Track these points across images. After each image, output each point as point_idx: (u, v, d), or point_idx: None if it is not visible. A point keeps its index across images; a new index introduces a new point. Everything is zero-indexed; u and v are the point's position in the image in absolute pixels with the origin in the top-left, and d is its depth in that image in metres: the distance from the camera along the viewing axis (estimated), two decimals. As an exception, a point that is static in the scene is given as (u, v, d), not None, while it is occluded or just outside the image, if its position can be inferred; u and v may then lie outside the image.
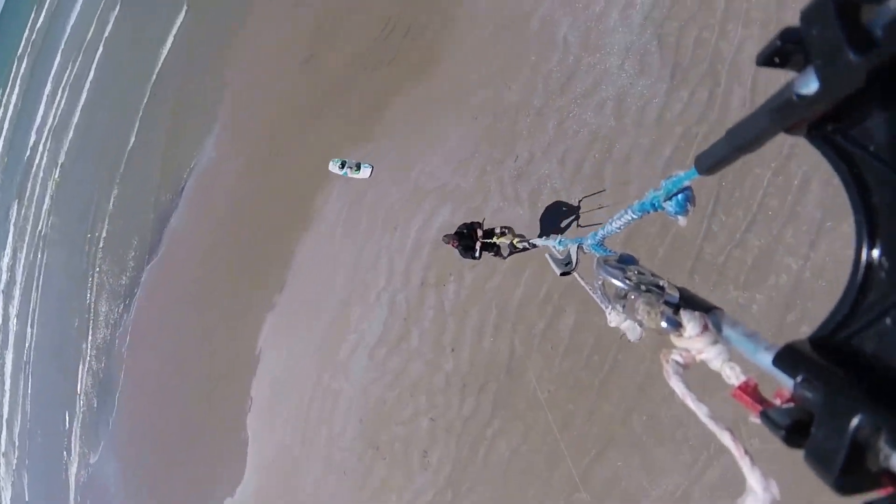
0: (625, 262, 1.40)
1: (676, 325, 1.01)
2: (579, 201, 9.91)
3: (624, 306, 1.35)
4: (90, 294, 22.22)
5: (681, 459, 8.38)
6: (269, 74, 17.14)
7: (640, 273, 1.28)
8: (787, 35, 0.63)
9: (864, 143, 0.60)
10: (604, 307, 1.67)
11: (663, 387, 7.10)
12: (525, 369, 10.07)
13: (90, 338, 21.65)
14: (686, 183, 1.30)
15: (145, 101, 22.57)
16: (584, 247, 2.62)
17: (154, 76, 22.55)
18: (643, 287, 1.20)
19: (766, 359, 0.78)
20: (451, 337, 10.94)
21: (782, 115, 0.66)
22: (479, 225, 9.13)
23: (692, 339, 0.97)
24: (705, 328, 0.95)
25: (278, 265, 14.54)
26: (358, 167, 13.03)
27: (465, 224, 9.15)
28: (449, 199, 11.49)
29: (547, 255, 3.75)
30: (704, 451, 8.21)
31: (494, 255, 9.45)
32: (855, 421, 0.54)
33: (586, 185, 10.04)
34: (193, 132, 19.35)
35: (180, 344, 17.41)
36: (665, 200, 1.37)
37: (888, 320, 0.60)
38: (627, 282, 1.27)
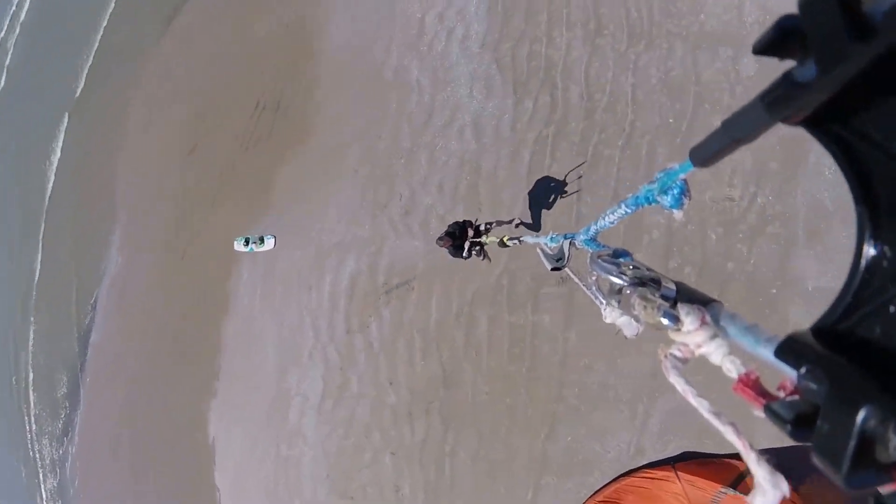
0: (619, 256, 1.41)
1: (674, 319, 0.98)
2: (565, 176, 10.31)
3: (619, 302, 1.31)
4: (30, 441, 21.44)
5: (621, 417, 9.16)
6: (159, 170, 17.60)
7: (634, 267, 1.27)
8: (785, 22, 0.60)
9: (866, 133, 0.59)
10: (598, 303, 1.61)
11: (581, 357, 8.13)
12: (460, 380, 10.84)
13: (41, 485, 20.91)
14: (681, 176, 1.29)
15: (43, 224, 22.27)
16: (576, 242, 2.54)
17: (48, 197, 22.41)
18: (639, 281, 1.19)
19: (767, 351, 0.77)
20: (386, 372, 11.61)
21: (780, 105, 0.65)
22: (471, 224, 9.03)
23: (690, 334, 0.95)
24: (703, 322, 0.94)
25: (209, 352, 14.84)
26: (261, 240, 13.66)
27: (455, 223, 8.99)
28: (351, 249, 12.29)
29: (538, 250, 3.56)
30: (639, 403, 9.04)
31: (478, 255, 9.30)
32: (862, 412, 0.53)
33: (466, 204, 11.06)
34: (97, 243, 19.37)
35: (133, 459, 17.19)
36: (659, 194, 1.36)
37: (892, 308, 0.59)
38: (623, 277, 1.26)
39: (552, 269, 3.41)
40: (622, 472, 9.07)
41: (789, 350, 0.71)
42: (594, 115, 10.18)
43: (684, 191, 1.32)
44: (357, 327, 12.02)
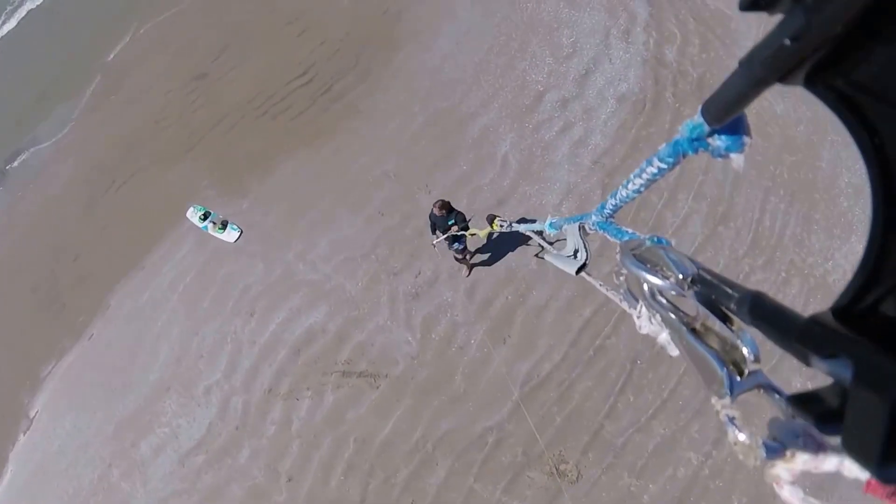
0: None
1: (780, 452, 0.69)
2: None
3: (659, 305, 0.99)
4: None
5: None
6: (152, 75, 13.48)
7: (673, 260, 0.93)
8: None
9: (870, 87, 0.50)
10: (631, 311, 1.22)
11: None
12: None
13: None
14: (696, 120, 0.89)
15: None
16: (587, 226, 1.89)
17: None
18: (699, 297, 0.86)
19: None
20: (291, 463, 8.45)
21: (774, 61, 0.55)
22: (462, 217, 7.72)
23: (807, 463, 0.67)
24: (820, 447, 0.65)
25: (84, 311, 10.90)
26: (224, 226, 10.10)
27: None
28: (326, 298, 9.13)
29: (546, 257, 2.72)
30: None
31: (460, 257, 8.35)
32: (892, 396, 0.45)
33: (492, 326, 8.40)
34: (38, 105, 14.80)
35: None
36: (710, 135, 0.87)
37: None
38: (667, 281, 0.94)
39: (576, 273, 2.30)
40: None
41: (811, 334, 0.59)
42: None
43: (745, 126, 0.85)
44: (284, 392, 8.81)
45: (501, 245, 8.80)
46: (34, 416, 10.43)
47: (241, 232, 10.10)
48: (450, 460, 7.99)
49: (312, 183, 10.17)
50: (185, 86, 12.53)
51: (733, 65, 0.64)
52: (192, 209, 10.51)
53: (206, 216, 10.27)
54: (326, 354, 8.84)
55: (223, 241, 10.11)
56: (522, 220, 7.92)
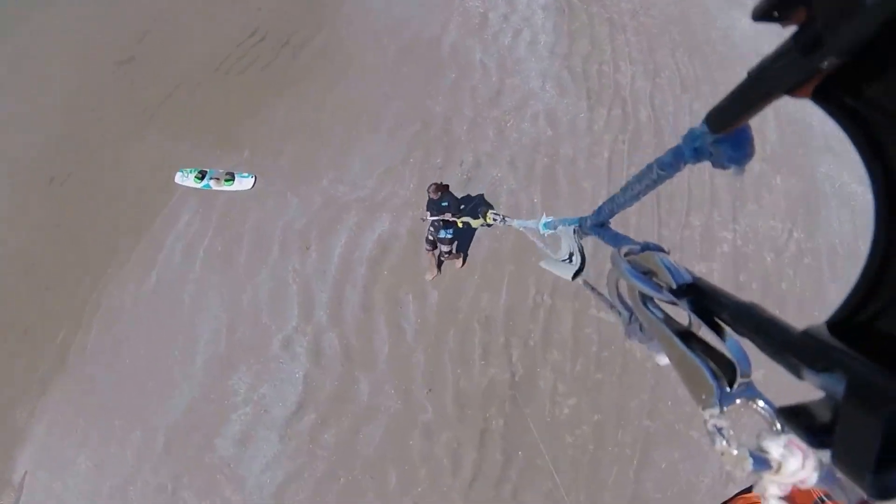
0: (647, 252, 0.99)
1: (767, 465, 0.66)
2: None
3: (651, 312, 0.94)
4: None
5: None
6: (55, 70, 10.73)
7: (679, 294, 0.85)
8: None
9: (881, 104, 0.49)
10: (620, 321, 1.16)
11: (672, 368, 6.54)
12: (532, 393, 7.42)
13: None
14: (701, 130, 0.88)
15: None
16: (582, 229, 1.80)
17: None
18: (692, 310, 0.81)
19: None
20: (422, 374, 7.40)
21: (783, 74, 0.55)
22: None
23: (795, 474, 0.64)
24: (806, 456, 0.63)
25: (62, 322, 7.89)
26: (231, 177, 8.52)
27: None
28: (383, 207, 8.41)
29: (542, 264, 2.41)
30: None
31: (445, 251, 7.67)
32: (885, 414, 0.44)
33: (543, 185, 8.85)
34: None
35: None
36: (713, 144, 0.85)
37: None
38: (661, 289, 0.87)
39: (573, 278, 2.22)
40: None
41: (804, 347, 0.57)
42: (663, 136, 9.63)
43: (749, 138, 0.82)
44: (382, 305, 7.74)
45: (519, 121, 9.47)
46: (22, 481, 6.97)
47: (256, 178, 8.66)
48: (570, 302, 7.99)
49: (314, 119, 9.28)
50: (113, 72, 10.37)
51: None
52: (180, 174, 8.59)
53: (202, 175, 8.51)
54: (409, 255, 8.13)
55: (236, 191, 8.50)
56: (479, 206, 8.55)
